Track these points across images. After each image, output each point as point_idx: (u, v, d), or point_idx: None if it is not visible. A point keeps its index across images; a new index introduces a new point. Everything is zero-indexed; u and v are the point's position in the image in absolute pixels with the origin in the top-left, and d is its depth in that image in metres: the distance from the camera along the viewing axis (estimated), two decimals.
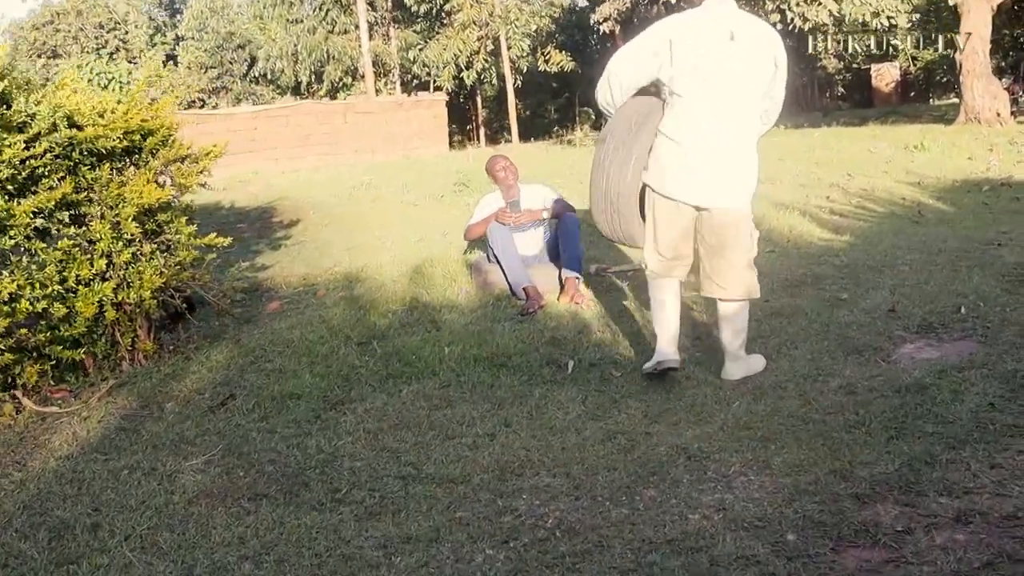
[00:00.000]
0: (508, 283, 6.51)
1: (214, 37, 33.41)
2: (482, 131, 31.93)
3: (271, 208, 11.54)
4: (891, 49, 44.57)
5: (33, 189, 4.97)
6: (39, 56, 36.13)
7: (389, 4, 28.56)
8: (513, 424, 4.30)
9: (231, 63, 33.58)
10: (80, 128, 5.19)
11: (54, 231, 5.10)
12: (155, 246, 5.61)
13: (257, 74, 32.65)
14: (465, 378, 4.95)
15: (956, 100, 39.87)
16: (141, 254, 5.47)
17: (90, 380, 5.30)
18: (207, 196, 12.76)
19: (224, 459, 4.11)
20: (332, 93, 29.68)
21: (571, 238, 6.51)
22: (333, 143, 18.87)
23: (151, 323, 5.79)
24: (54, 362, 5.07)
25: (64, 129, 5.03)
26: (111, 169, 5.47)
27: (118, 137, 5.37)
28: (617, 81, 4.71)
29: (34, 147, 4.86)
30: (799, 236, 8.32)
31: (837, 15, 17.15)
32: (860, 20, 17.26)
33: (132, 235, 5.31)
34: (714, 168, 4.49)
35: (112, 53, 37.60)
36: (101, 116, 5.49)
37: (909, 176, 12.10)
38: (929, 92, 45.72)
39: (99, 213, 5.27)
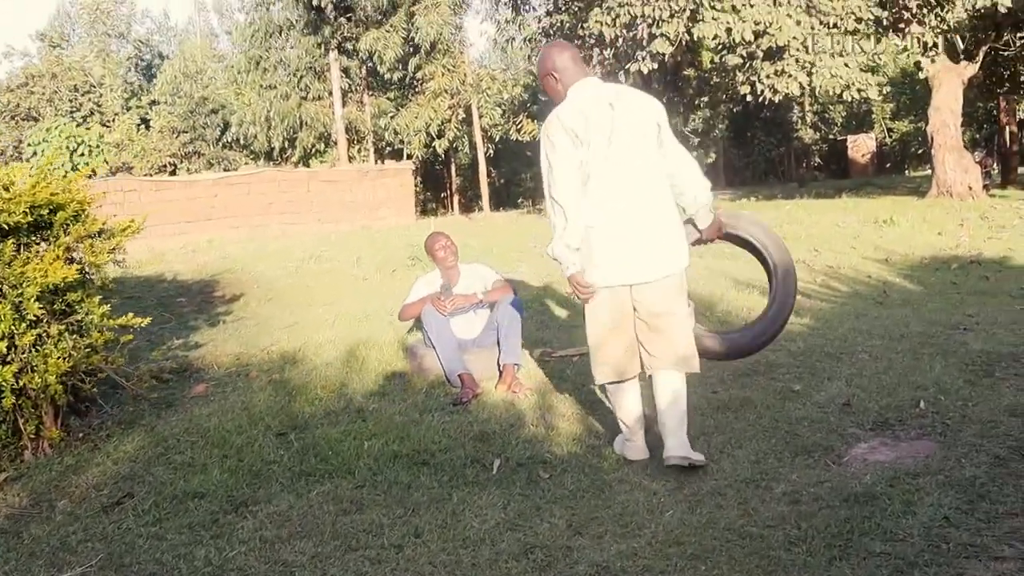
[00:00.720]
0: (443, 369, 6.14)
1: (187, 101, 33.20)
2: (455, 199, 31.67)
3: (215, 281, 11.14)
4: (867, 120, 45.33)
5: None
6: (12, 118, 35.90)
7: (363, 71, 28.42)
8: (424, 534, 3.90)
9: (204, 128, 33.37)
10: None
11: None
12: (63, 327, 5.24)
13: (230, 139, 32.43)
14: (382, 478, 4.56)
15: (931, 172, 40.52)
16: (47, 336, 5.10)
17: None
18: (150, 268, 12.54)
19: (101, 572, 3.70)
20: (305, 159, 29.48)
21: (512, 323, 6.17)
22: (296, 212, 18.51)
23: (58, 409, 5.38)
24: None
25: None
26: (16, 246, 5.11)
27: (23, 212, 5.02)
28: (568, 195, 4.42)
29: None
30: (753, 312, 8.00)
31: (807, 87, 16.98)
32: (831, 92, 17.10)
33: (36, 316, 4.94)
34: (637, 242, 4.40)
35: (86, 116, 37.45)
36: (6, 190, 5.15)
37: (877, 252, 11.85)
38: (904, 163, 46.07)
39: None
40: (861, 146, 43.01)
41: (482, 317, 6.57)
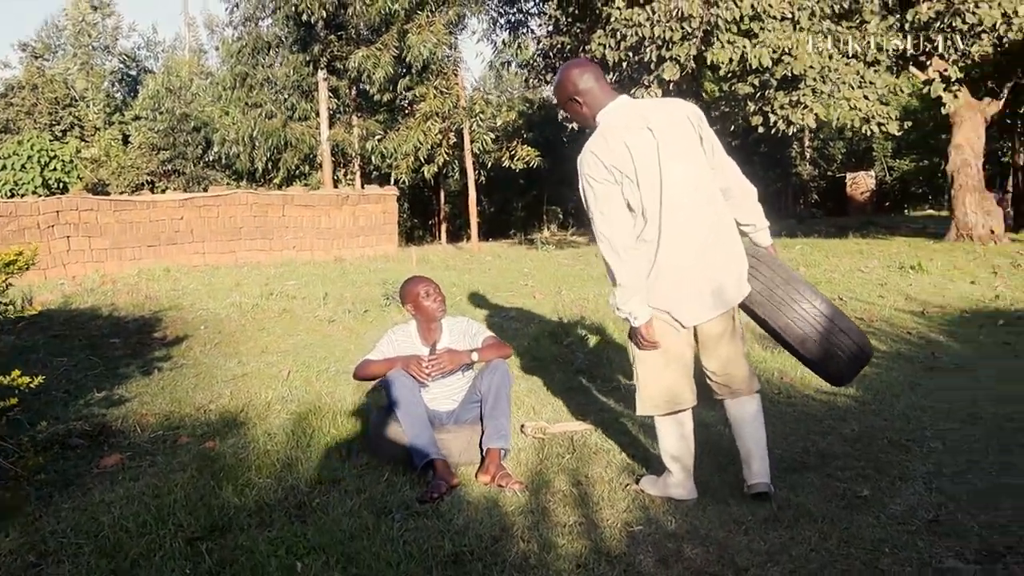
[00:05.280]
0: (410, 451, 4.85)
1: (168, 118, 31.99)
2: (443, 227, 30.45)
3: (157, 319, 9.78)
4: (866, 157, 44.37)
5: None
6: None
7: (352, 92, 27.26)
8: None
9: (185, 145, 32.12)
10: None
11: None
12: None
13: (212, 158, 31.24)
14: None
15: (931, 212, 39.56)
16: None
17: None
18: (88, 299, 11.22)
19: None
20: (288, 181, 28.30)
21: (500, 395, 4.93)
22: (267, 238, 17.12)
23: None
24: None
25: None
26: None
27: None
28: (622, 237, 4.12)
29: None
30: (792, 387, 6.75)
31: (824, 119, 15.84)
32: (849, 125, 15.96)
33: None
34: (710, 277, 4.17)
35: (66, 130, 36.31)
36: None
37: (909, 303, 10.63)
38: (904, 203, 45.09)
39: None
40: (860, 183, 41.98)
41: (461, 386, 5.31)
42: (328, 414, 5.81)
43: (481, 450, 4.91)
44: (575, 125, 20.73)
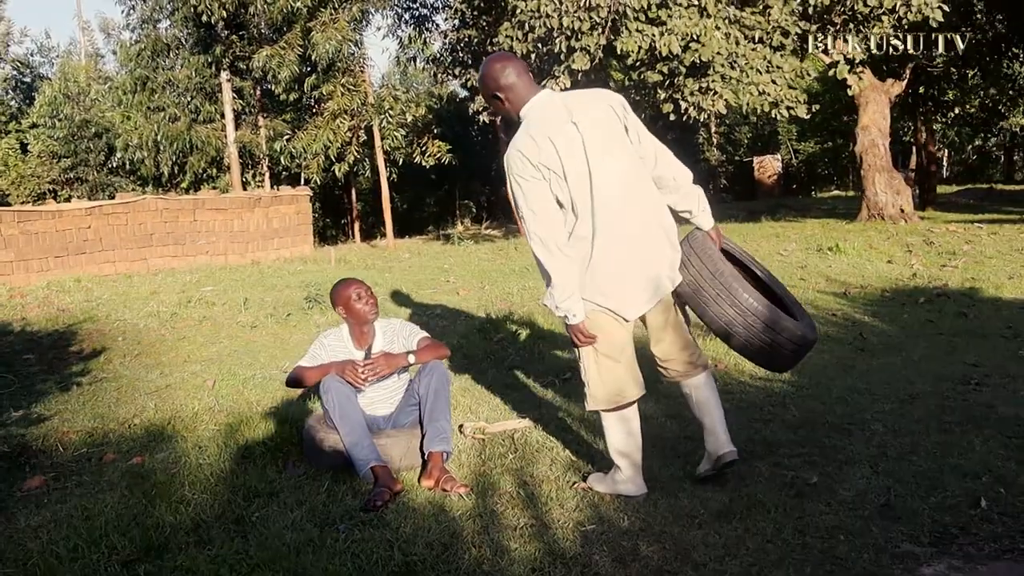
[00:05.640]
0: (349, 458, 4.71)
1: (68, 125, 31.14)
2: (356, 225, 30.08)
3: (72, 332, 9.44)
4: (772, 141, 44.98)
5: None
6: None
7: (257, 92, 26.79)
8: None
9: (87, 152, 31.30)
10: None
11: None
12: None
13: (115, 164, 30.48)
14: None
15: (838, 192, 40.25)
16: None
17: None
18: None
19: None
20: (196, 185, 27.71)
21: (438, 397, 4.81)
22: (179, 244, 16.71)
23: None
24: None
25: None
26: None
27: None
28: (553, 232, 4.04)
29: None
30: (727, 375, 6.72)
31: (734, 105, 15.92)
32: (759, 110, 16.05)
33: None
34: (648, 267, 4.13)
35: None
36: None
37: (830, 284, 10.75)
38: (811, 184, 45.81)
39: None
40: (767, 167, 42.42)
41: (398, 388, 5.18)
42: (260, 423, 5.60)
43: (422, 454, 4.79)
44: (485, 118, 20.71)
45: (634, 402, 4.27)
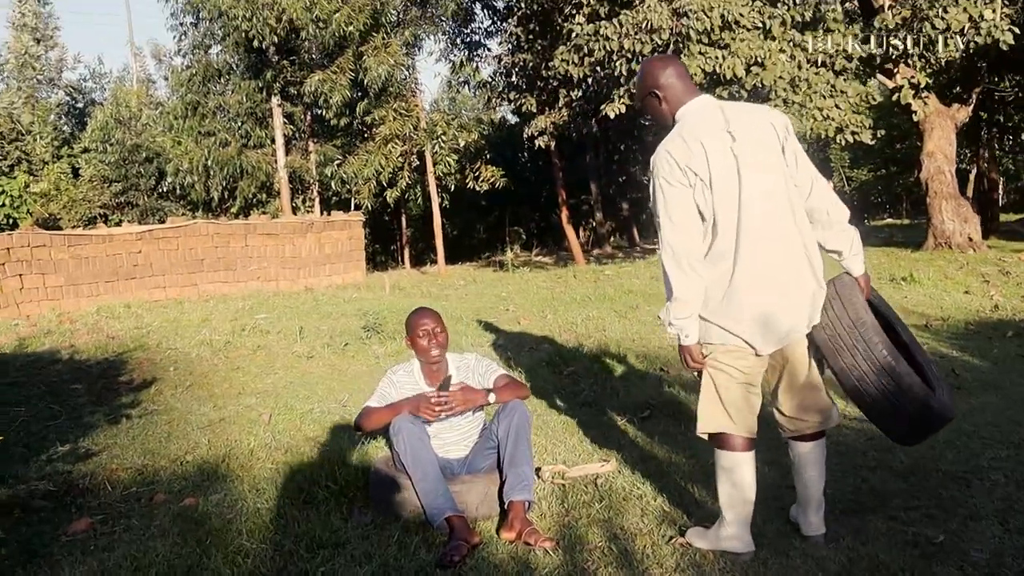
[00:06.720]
0: (421, 506, 4.33)
1: (119, 149, 31.22)
2: (407, 251, 29.87)
3: (122, 360, 9.14)
4: (823, 169, 44.32)
5: None
6: None
7: (308, 117, 26.67)
8: None
9: (138, 177, 31.34)
10: None
11: None
12: None
13: (165, 189, 30.50)
14: None
15: (891, 220, 39.55)
16: None
17: None
18: (46, 340, 10.48)
19: None
20: (245, 210, 27.60)
21: (519, 440, 4.43)
22: (230, 270, 16.48)
23: None
24: None
25: None
26: None
27: None
28: (685, 245, 3.76)
29: None
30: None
31: (797, 130, 15.48)
32: (822, 135, 15.60)
33: None
34: (790, 300, 3.77)
35: (13, 165, 35.37)
36: None
37: (910, 317, 10.25)
38: (864, 212, 45.15)
39: None
40: None
41: (473, 430, 4.81)
42: (321, 463, 5.23)
43: (501, 502, 4.40)
44: (541, 143, 20.40)
45: (745, 447, 3.89)
